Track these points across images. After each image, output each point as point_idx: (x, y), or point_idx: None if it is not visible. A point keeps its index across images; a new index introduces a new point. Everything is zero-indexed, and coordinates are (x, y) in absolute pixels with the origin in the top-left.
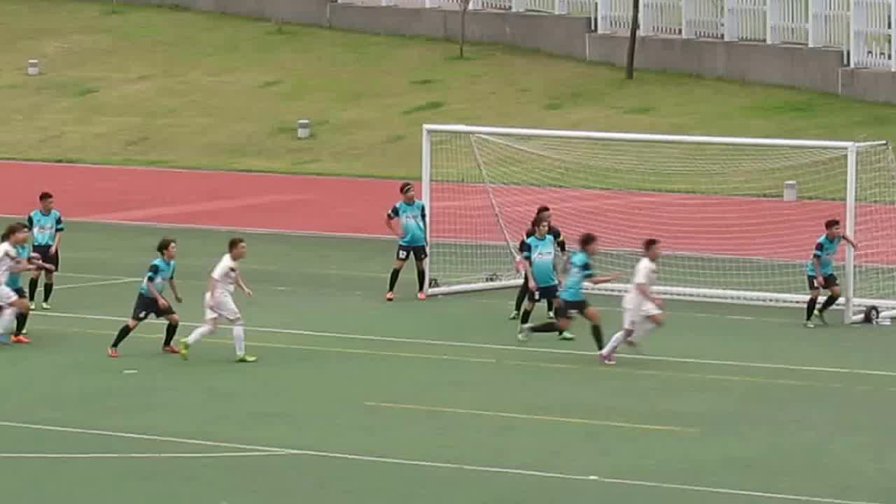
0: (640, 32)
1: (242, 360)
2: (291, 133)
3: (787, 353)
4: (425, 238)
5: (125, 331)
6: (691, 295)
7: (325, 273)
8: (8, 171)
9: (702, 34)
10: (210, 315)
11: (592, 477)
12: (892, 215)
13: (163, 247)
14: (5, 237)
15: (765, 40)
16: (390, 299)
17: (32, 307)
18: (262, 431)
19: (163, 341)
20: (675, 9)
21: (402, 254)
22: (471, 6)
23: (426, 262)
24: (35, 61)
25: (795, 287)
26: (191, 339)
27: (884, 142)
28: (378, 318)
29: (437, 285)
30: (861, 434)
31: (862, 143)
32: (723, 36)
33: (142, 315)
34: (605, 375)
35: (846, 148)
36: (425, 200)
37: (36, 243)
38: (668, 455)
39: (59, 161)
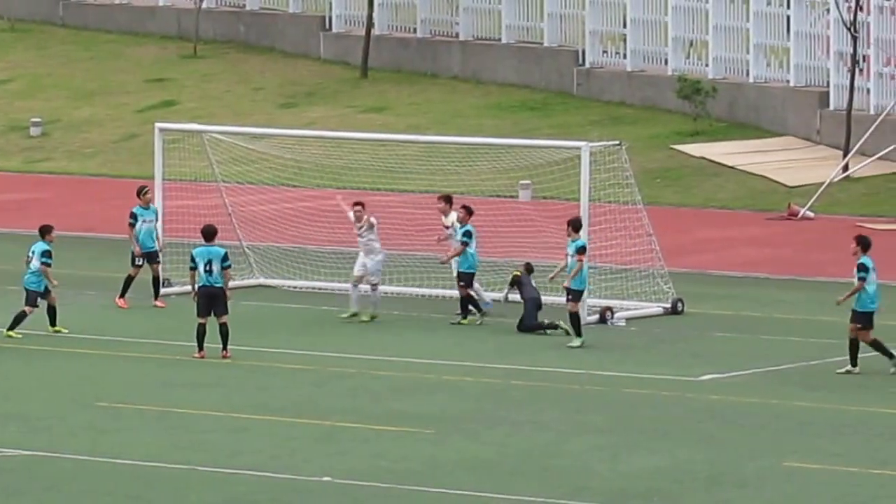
0: (375, 31)
1: None
2: (24, 131)
3: (522, 354)
4: (157, 244)
5: None
6: (427, 295)
7: (57, 272)
8: None
9: (437, 33)
10: None
11: (326, 478)
12: (627, 215)
13: None
14: None
15: (500, 39)
16: (122, 306)
17: None
18: None
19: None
20: (410, 8)
21: (139, 261)
22: (204, 4)
23: (160, 268)
24: None
25: None
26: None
27: (618, 142)
28: (111, 318)
29: (170, 285)
30: (595, 435)
31: (596, 143)
32: (458, 35)
33: None
34: (338, 376)
35: (580, 148)
36: (158, 200)
37: None
38: (402, 456)
39: None
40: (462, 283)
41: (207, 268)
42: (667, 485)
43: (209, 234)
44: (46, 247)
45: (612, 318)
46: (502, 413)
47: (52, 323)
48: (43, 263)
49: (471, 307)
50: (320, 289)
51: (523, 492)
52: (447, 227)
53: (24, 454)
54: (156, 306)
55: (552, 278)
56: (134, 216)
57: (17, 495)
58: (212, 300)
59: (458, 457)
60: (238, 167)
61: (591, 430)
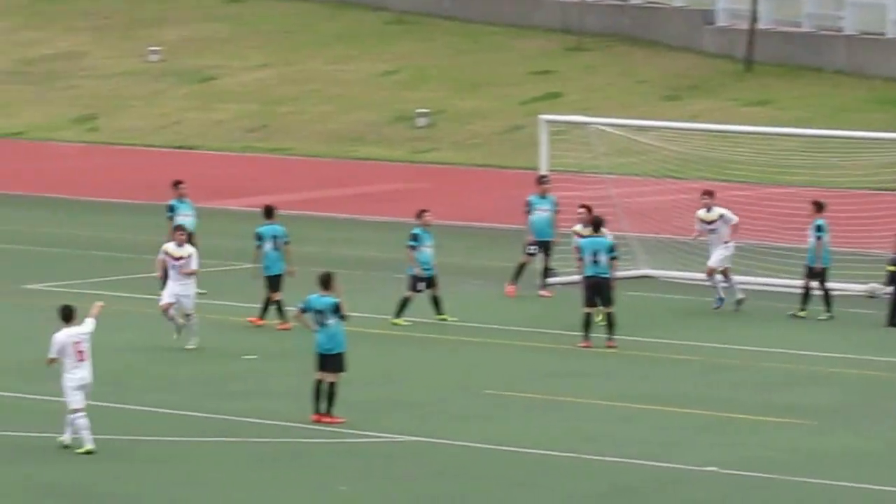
0: (760, 25)
1: None
2: (410, 122)
3: None
4: (553, 233)
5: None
6: (812, 289)
7: (443, 262)
8: (129, 156)
9: (821, 27)
10: None
11: (711, 468)
12: None
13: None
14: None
15: (885, 34)
16: (510, 294)
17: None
18: (382, 418)
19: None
20: (795, 1)
21: (532, 249)
22: None
23: (551, 259)
24: (157, 49)
25: None
26: None
27: None
28: (496, 307)
29: (555, 275)
30: None
31: None
32: (842, 29)
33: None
34: (723, 368)
35: None
36: None
37: None
38: (786, 447)
39: (180, 147)
40: (809, 277)
41: (594, 258)
42: None
43: (596, 224)
44: (415, 230)
45: None
46: (886, 406)
47: (438, 311)
48: (408, 246)
49: (828, 300)
50: (703, 280)
51: None
52: (708, 223)
53: (413, 440)
54: (541, 296)
55: None
56: (529, 205)
57: (407, 480)
58: (598, 290)
59: (842, 449)
60: (622, 159)
61: None
